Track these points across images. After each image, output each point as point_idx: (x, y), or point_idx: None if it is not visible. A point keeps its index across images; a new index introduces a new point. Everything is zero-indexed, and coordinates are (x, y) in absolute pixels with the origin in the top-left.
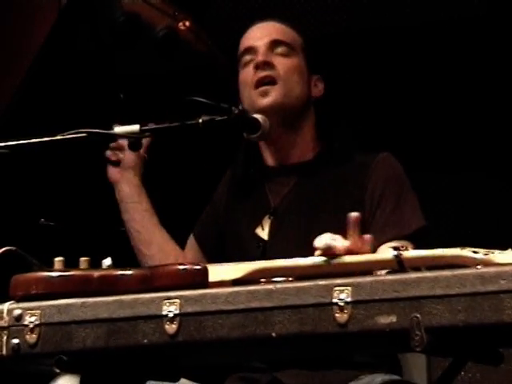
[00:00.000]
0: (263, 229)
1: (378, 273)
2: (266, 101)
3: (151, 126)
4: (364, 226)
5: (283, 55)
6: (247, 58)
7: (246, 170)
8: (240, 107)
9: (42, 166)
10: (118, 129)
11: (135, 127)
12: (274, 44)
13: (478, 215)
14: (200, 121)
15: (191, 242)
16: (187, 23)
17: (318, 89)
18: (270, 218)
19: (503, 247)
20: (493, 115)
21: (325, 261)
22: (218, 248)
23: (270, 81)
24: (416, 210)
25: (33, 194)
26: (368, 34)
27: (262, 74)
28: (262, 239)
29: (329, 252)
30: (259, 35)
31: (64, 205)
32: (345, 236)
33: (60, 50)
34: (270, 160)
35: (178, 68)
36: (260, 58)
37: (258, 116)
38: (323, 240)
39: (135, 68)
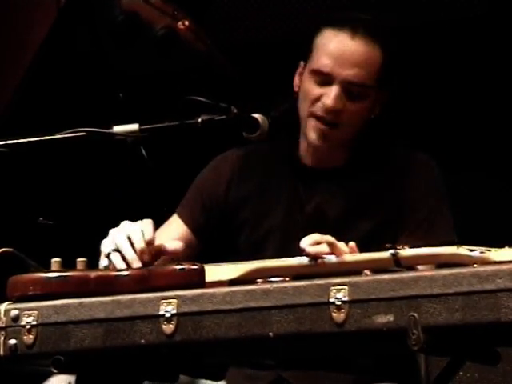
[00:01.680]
0: (298, 235)
1: (368, 272)
2: (319, 142)
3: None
4: (396, 231)
5: (355, 99)
6: (320, 78)
7: (281, 164)
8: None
9: (41, 164)
10: (118, 128)
11: (134, 126)
12: (351, 85)
13: (478, 215)
14: (199, 120)
15: (177, 223)
16: (186, 23)
17: (381, 106)
18: (304, 219)
19: (501, 246)
20: (493, 115)
21: (321, 260)
22: (213, 233)
23: (332, 124)
24: (448, 223)
25: (31, 193)
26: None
27: (326, 118)
28: (297, 246)
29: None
30: (342, 62)
31: (63, 204)
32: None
33: (59, 49)
34: (308, 160)
35: (177, 67)
36: (331, 104)
37: (257, 115)
38: (309, 242)
39: (134, 67)
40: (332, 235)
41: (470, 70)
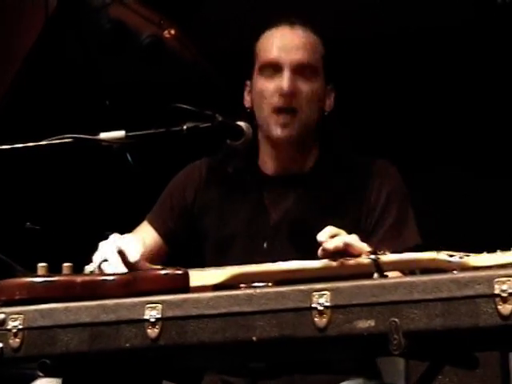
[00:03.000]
0: (264, 242)
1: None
2: (284, 133)
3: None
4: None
5: (307, 79)
6: (270, 71)
7: (242, 175)
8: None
9: (28, 170)
10: (104, 134)
11: (120, 133)
12: (300, 67)
13: (472, 215)
14: (184, 127)
15: (147, 228)
16: (172, 31)
17: (330, 101)
18: (270, 227)
19: (494, 247)
20: (490, 116)
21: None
22: (180, 239)
23: (291, 110)
24: (414, 226)
25: (18, 198)
26: (365, 42)
27: (285, 104)
28: (262, 252)
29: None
30: (287, 49)
31: (49, 209)
32: None
33: (47, 57)
34: (269, 169)
35: (163, 75)
36: (286, 87)
37: (241, 123)
38: (326, 236)
39: (121, 75)
40: (300, 242)
41: (466, 74)
